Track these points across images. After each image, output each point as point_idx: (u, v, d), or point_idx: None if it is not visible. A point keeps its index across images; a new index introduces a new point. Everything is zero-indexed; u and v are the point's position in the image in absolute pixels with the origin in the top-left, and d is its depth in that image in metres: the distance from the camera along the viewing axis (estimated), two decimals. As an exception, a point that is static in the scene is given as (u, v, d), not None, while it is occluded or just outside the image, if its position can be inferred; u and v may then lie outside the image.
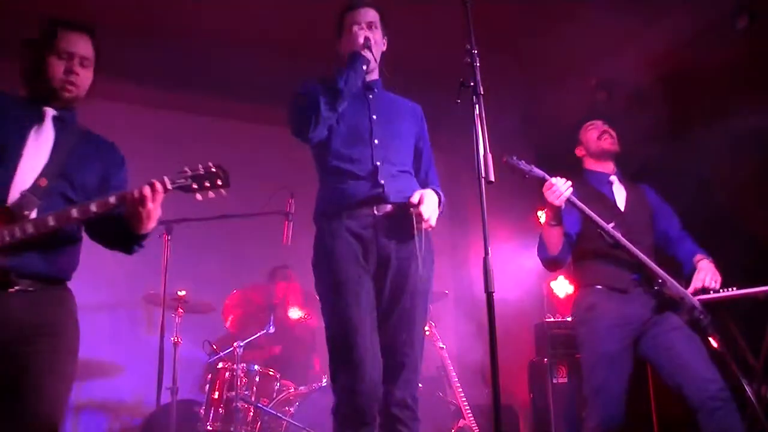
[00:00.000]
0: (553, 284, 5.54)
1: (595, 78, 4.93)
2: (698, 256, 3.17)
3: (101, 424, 4.61)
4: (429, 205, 2.44)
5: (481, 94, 2.15)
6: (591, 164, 3.33)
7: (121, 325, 4.74)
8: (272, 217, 3.75)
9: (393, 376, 2.36)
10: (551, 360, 4.53)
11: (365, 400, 2.26)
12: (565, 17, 4.28)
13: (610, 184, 3.28)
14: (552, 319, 4.83)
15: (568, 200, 2.88)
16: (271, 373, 3.86)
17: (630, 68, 4.83)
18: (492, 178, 2.06)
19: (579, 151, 3.38)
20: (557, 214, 2.92)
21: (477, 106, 2.15)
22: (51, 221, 2.07)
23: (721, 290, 3.12)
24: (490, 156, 2.07)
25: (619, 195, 3.26)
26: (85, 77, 2.37)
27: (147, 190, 2.15)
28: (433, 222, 2.48)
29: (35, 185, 2.13)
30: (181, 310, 3.91)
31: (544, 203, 2.95)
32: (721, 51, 4.37)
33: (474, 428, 3.79)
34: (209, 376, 3.82)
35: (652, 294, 3.02)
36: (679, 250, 3.26)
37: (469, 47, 2.21)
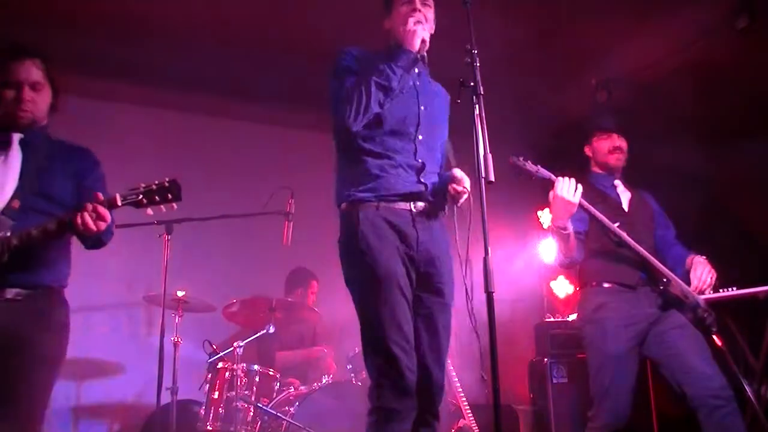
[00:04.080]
0: (553, 284, 5.54)
1: (595, 78, 4.93)
2: (690, 257, 3.18)
3: (101, 425, 4.61)
4: (467, 178, 2.41)
5: (481, 94, 2.15)
6: (596, 168, 3.36)
7: (121, 325, 4.74)
8: (272, 217, 3.75)
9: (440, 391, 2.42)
10: (551, 360, 4.52)
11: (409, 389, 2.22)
12: (565, 17, 4.29)
13: (615, 187, 3.30)
14: (552, 319, 4.83)
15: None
16: (271, 373, 3.86)
17: (630, 68, 4.83)
18: (492, 178, 2.05)
19: (588, 151, 3.40)
20: (570, 216, 2.88)
21: (477, 106, 2.14)
22: (14, 240, 2.26)
23: (721, 290, 3.13)
24: (490, 156, 2.07)
25: (624, 197, 3.28)
26: (38, 100, 2.49)
27: (86, 217, 2.23)
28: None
29: (8, 207, 2.33)
30: (182, 310, 3.91)
31: (551, 205, 2.91)
32: (721, 51, 4.37)
33: (474, 428, 3.79)
34: (209, 376, 3.81)
35: (658, 293, 3.02)
36: (669, 256, 3.26)
37: (469, 47, 2.21)
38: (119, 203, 2.29)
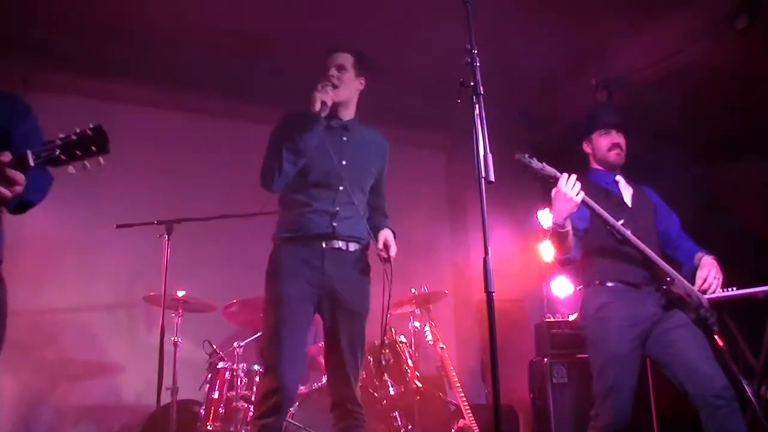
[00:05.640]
0: (553, 284, 5.54)
1: (595, 78, 4.94)
2: (699, 254, 3.15)
3: (101, 425, 4.61)
4: (393, 245, 2.82)
5: (481, 94, 2.15)
6: (597, 165, 3.33)
7: (121, 325, 4.74)
8: (272, 217, 3.74)
9: (348, 385, 2.74)
10: (551, 360, 4.52)
11: (282, 400, 2.61)
12: (565, 17, 4.29)
13: (616, 183, 3.27)
14: (552, 319, 4.82)
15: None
16: (271, 373, 3.86)
17: (630, 68, 4.84)
18: (492, 178, 2.05)
19: (587, 148, 3.35)
20: (570, 214, 2.84)
21: (477, 106, 2.14)
22: None
23: (721, 290, 3.11)
24: (490, 156, 2.07)
25: (626, 193, 3.25)
26: None
27: None
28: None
29: None
30: (182, 310, 3.90)
31: (553, 202, 2.85)
32: (721, 51, 4.37)
33: (474, 428, 3.79)
34: (209, 376, 3.82)
35: (661, 292, 3.01)
36: (679, 250, 3.25)
37: (469, 47, 2.21)
38: (31, 163, 1.88)
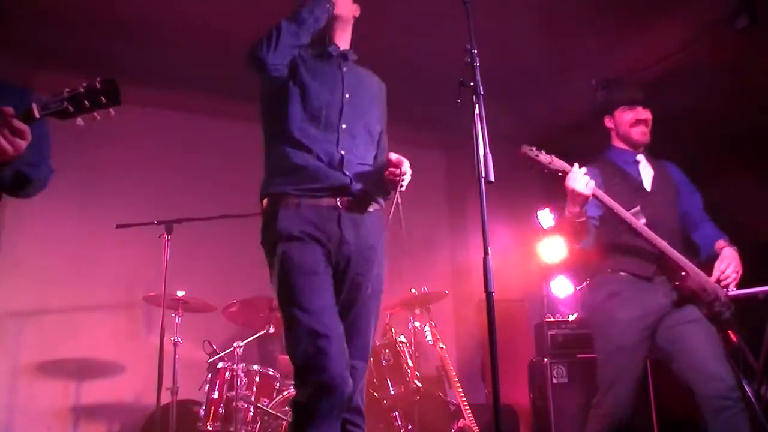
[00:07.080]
0: (553, 284, 5.54)
1: (595, 78, 4.93)
2: (720, 242, 3.03)
3: (101, 425, 4.61)
4: (407, 164, 2.31)
5: (481, 94, 2.15)
6: (618, 142, 3.16)
7: (121, 325, 4.74)
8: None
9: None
10: (551, 360, 4.53)
11: (338, 398, 2.10)
12: (566, 17, 4.29)
13: (637, 163, 3.10)
14: (552, 319, 4.83)
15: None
16: (271, 372, 3.86)
17: (630, 68, 4.83)
18: (492, 178, 2.05)
19: (608, 123, 3.19)
20: (583, 205, 2.72)
21: (477, 106, 2.14)
22: None
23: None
24: (490, 156, 2.07)
25: (646, 174, 3.09)
26: None
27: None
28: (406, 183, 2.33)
29: None
30: (182, 310, 3.91)
31: (566, 197, 2.75)
32: (721, 51, 4.37)
33: (474, 428, 3.79)
34: (209, 376, 3.82)
35: (673, 287, 2.89)
36: (698, 231, 3.12)
37: (469, 47, 2.21)
38: (37, 114, 1.83)
